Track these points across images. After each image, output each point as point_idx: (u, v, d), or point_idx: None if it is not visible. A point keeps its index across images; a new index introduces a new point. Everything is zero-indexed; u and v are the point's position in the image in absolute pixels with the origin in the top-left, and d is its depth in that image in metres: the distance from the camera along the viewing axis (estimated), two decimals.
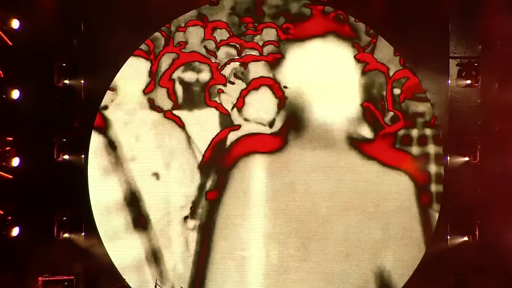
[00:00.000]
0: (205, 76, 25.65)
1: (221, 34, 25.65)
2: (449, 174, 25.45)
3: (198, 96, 25.57)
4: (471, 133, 25.47)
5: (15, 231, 23.96)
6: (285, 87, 25.49)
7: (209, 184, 25.58)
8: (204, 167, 25.57)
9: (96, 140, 25.58)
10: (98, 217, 25.42)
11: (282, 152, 25.77)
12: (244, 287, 25.35)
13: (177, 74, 25.54)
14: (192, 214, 25.49)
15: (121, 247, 25.39)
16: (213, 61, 25.49)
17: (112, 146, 25.65)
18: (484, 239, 25.13)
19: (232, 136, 25.67)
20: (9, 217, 23.99)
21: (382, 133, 25.46)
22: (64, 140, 25.28)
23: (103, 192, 25.58)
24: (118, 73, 25.51)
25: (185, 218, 25.47)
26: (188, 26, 25.66)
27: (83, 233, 25.32)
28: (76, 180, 25.40)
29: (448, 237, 25.47)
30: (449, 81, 25.62)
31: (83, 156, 25.51)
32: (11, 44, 24.20)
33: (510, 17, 24.21)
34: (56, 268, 23.74)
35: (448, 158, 25.53)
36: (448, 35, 25.48)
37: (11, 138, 24.28)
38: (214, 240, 25.52)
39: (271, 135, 25.78)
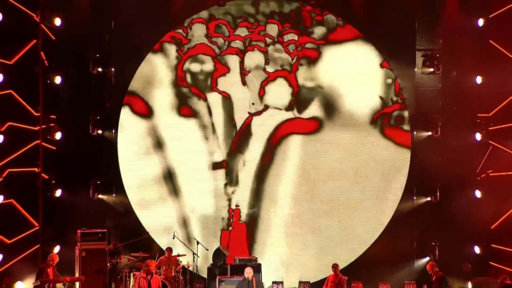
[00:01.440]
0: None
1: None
2: (415, 146, 26.23)
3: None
4: (433, 112, 26.09)
5: (58, 193, 24.76)
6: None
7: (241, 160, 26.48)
8: (232, 151, 26.48)
9: (124, 117, 26.35)
10: (126, 181, 26.22)
11: (318, 133, 26.42)
12: (253, 238, 26.19)
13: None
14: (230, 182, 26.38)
15: (148, 208, 26.27)
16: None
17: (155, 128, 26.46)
18: (443, 199, 25.75)
19: (255, 121, 26.39)
20: (53, 181, 24.75)
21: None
22: (98, 117, 25.95)
23: (132, 161, 26.42)
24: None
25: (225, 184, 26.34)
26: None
27: (113, 194, 26.24)
28: (108, 150, 26.20)
29: (415, 197, 26.27)
30: (416, 69, 26.28)
31: (113, 130, 26.28)
32: (54, 38, 24.92)
33: (465, 17, 24.82)
34: (92, 223, 23.98)
35: (415, 132, 26.30)
36: (415, 32, 26.05)
37: (54, 116, 24.91)
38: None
39: (309, 120, 26.49)
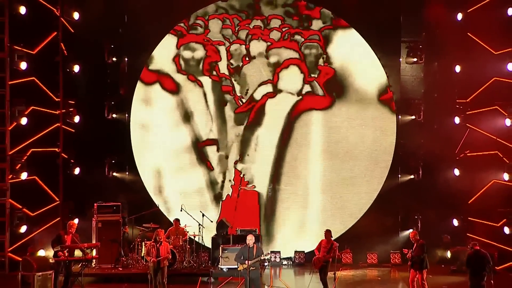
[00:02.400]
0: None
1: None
2: (400, 128, 26.34)
3: None
4: (416, 98, 26.27)
5: (77, 171, 25.03)
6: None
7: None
8: (247, 128, 26.59)
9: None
10: (139, 160, 26.46)
11: (331, 108, 26.52)
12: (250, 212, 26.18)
13: None
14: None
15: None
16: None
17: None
18: (425, 177, 25.97)
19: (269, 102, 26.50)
20: (72, 160, 24.97)
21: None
22: (113, 102, 26.21)
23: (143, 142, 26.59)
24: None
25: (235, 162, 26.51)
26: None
27: (126, 172, 26.48)
28: (121, 132, 26.39)
29: (399, 176, 26.41)
30: (401, 59, 26.37)
31: (126, 114, 26.46)
32: (73, 31, 25.06)
33: (446, 11, 24.84)
34: (107, 197, 24.41)
35: (400, 116, 26.40)
36: (400, 26, 26.12)
37: (73, 101, 25.08)
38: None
39: (323, 96, 26.49)
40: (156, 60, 26.67)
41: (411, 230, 24.14)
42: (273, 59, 26.60)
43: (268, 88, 26.59)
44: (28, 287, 19.64)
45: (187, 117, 26.60)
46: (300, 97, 26.50)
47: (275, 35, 26.58)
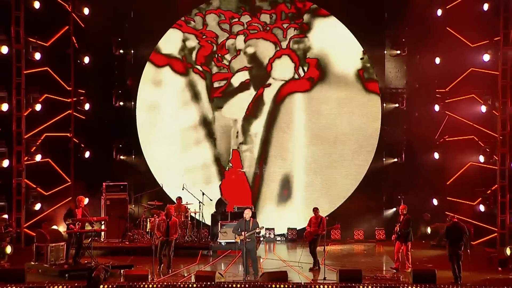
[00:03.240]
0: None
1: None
2: (384, 116, 26.43)
3: None
4: (399, 87, 26.46)
5: (87, 154, 25.07)
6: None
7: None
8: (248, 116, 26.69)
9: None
10: (144, 144, 26.54)
11: (312, 91, 26.54)
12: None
13: None
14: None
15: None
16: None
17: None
18: (408, 160, 26.22)
19: (267, 92, 26.57)
20: (82, 145, 25.08)
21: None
22: (120, 91, 26.34)
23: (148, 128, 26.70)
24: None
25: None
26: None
27: (132, 156, 26.59)
28: (128, 119, 26.51)
29: (384, 159, 26.62)
30: (385, 52, 26.55)
31: (132, 102, 26.57)
32: (83, 25, 25.13)
33: (427, 8, 24.87)
34: (115, 177, 24.54)
35: (384, 104, 26.49)
36: (385, 21, 26.23)
37: (83, 91, 25.25)
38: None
39: (304, 79, 26.53)
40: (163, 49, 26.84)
41: (394, 209, 24.56)
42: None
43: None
44: (42, 257, 19.73)
45: (195, 97, 26.82)
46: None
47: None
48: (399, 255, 19.90)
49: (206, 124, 26.76)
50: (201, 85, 26.77)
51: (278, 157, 26.75)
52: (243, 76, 26.79)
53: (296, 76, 26.59)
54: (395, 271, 19.71)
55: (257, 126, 26.76)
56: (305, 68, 26.61)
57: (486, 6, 23.10)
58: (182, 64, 26.69)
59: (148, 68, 26.68)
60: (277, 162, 26.74)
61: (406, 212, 20.00)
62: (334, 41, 26.62)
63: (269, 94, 26.69)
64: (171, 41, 26.73)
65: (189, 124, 26.80)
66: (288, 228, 25.68)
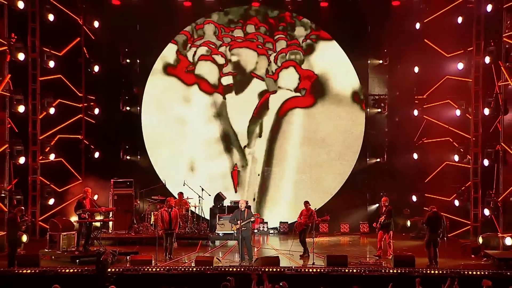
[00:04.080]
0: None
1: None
2: (367, 120, 26.59)
3: None
4: (381, 94, 26.63)
5: (96, 154, 25.23)
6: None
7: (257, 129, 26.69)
8: (253, 119, 26.70)
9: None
10: (148, 146, 26.57)
11: (313, 107, 26.64)
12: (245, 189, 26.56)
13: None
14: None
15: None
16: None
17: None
18: (389, 160, 26.47)
19: (272, 99, 26.64)
20: (92, 146, 25.25)
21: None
22: (127, 97, 26.44)
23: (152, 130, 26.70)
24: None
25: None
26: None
27: (138, 156, 26.60)
28: (134, 122, 26.54)
29: (368, 159, 26.72)
30: (368, 62, 26.69)
31: (138, 108, 26.60)
32: (93, 37, 25.23)
33: (406, 22, 24.95)
34: (122, 175, 24.64)
35: (368, 109, 26.60)
36: (368, 33, 26.23)
37: (93, 97, 25.42)
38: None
39: (306, 96, 26.59)
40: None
41: (377, 205, 24.60)
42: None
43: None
44: (55, 244, 19.95)
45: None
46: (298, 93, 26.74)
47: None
48: (382, 243, 20.10)
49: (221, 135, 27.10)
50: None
51: (277, 158, 26.92)
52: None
53: (295, 86, 26.79)
54: (377, 258, 19.90)
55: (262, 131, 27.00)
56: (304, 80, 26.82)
57: (460, 20, 23.29)
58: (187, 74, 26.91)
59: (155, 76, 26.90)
60: (275, 162, 26.93)
61: (388, 204, 20.16)
62: (330, 59, 26.85)
63: (272, 103, 26.89)
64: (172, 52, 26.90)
65: (195, 126, 26.96)
66: (280, 222, 25.76)
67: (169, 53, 26.84)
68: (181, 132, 26.76)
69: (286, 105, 26.71)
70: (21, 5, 21.45)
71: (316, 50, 26.75)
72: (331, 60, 26.68)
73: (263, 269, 17.08)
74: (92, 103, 25.53)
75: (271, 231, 25.70)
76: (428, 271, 17.62)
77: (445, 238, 19.39)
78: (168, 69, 26.81)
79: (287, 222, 25.52)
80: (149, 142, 26.64)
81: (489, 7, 21.88)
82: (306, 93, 26.60)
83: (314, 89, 26.62)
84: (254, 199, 26.11)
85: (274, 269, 17.52)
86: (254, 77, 26.66)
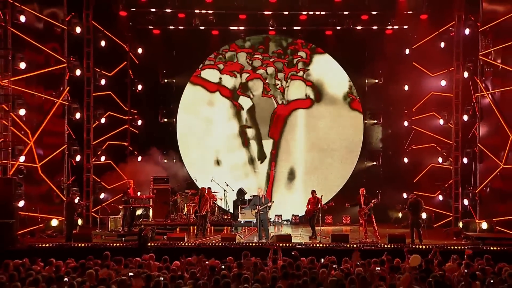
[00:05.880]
0: None
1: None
2: (366, 129, 26.65)
3: None
4: (377, 108, 26.59)
5: (139, 158, 25.40)
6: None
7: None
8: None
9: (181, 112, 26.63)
10: (182, 150, 26.71)
11: (312, 107, 26.69)
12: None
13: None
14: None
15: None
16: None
17: None
18: (384, 163, 26.57)
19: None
20: (136, 152, 25.57)
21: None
22: (164, 111, 26.66)
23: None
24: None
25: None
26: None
27: (174, 160, 26.56)
28: (170, 131, 26.63)
29: (366, 162, 26.73)
30: (366, 81, 26.71)
31: (174, 119, 26.78)
32: (137, 62, 25.76)
33: (397, 47, 24.91)
34: (160, 174, 24.48)
35: (366, 121, 26.59)
36: (366, 57, 26.32)
37: (136, 111, 25.89)
38: None
39: (307, 99, 26.64)
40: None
41: (374, 200, 24.44)
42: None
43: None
44: (104, 226, 20.29)
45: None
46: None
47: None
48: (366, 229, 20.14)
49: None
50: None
51: (285, 160, 26.94)
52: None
53: (304, 97, 26.85)
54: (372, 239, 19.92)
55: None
56: (308, 91, 26.92)
57: (442, 45, 23.59)
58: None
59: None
60: (283, 164, 26.97)
61: (366, 193, 20.11)
62: (328, 72, 26.93)
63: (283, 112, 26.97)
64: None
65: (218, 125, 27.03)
66: (292, 215, 25.80)
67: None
68: (207, 130, 26.85)
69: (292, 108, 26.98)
70: (78, 30, 21.98)
71: (323, 72, 26.97)
72: (333, 78, 26.92)
73: (277, 244, 17.21)
74: (135, 116, 25.89)
75: (285, 222, 25.66)
76: (416, 246, 17.72)
77: (423, 220, 19.53)
78: (195, 79, 27.02)
79: (298, 215, 25.54)
80: (182, 147, 26.81)
81: (467, 31, 22.18)
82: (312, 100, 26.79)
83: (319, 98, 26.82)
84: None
85: (287, 244, 17.66)
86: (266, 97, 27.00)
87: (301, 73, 26.84)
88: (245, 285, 10.99)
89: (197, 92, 27.01)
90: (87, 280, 11.56)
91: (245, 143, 26.86)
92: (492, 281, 11.94)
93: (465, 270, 13.01)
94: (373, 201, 20.17)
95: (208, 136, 26.78)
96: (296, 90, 26.85)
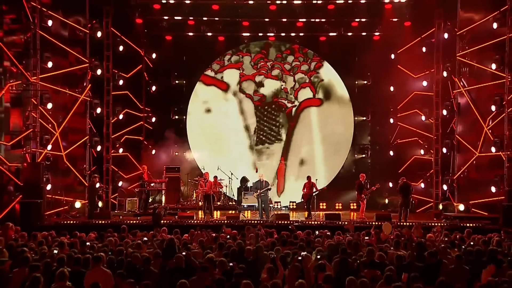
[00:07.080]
0: None
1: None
2: (356, 125, 26.37)
3: None
4: (366, 106, 26.34)
5: (153, 152, 25.31)
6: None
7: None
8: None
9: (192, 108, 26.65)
10: (191, 144, 26.65)
11: (322, 105, 26.66)
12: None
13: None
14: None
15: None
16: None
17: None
18: (372, 156, 26.41)
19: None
20: (150, 146, 25.46)
21: None
22: (176, 109, 26.60)
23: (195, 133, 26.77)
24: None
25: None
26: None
27: (184, 153, 26.24)
28: (181, 127, 26.64)
29: (356, 155, 26.72)
30: (356, 82, 26.59)
31: (184, 117, 26.70)
32: (151, 65, 25.70)
33: (384, 52, 24.74)
34: (172, 164, 24.69)
35: (356, 118, 26.49)
36: (356, 61, 26.00)
37: (150, 109, 25.72)
38: None
39: (317, 99, 26.57)
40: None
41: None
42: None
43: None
44: (122, 207, 20.39)
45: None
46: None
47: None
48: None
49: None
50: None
51: (291, 154, 26.90)
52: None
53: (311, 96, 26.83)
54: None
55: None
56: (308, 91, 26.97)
57: (424, 49, 23.69)
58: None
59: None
60: (290, 157, 26.92)
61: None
62: (323, 74, 26.92)
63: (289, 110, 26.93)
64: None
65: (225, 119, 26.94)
66: (290, 202, 25.62)
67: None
68: (216, 126, 26.76)
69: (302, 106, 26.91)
70: (99, 34, 22.10)
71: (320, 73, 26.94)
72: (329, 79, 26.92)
73: (277, 222, 17.30)
74: (150, 113, 25.87)
75: (283, 208, 25.57)
76: (401, 223, 17.86)
77: (412, 202, 19.64)
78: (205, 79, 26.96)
79: (295, 202, 25.30)
80: (192, 141, 26.76)
81: (446, 35, 22.34)
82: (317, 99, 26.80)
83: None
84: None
85: (285, 222, 17.73)
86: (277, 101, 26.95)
87: (299, 75, 26.88)
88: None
89: (207, 91, 27.01)
90: (108, 244, 11.64)
91: (252, 138, 26.86)
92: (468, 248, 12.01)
93: (445, 239, 13.11)
94: (376, 185, 20.21)
95: (216, 131, 26.71)
96: (301, 91, 26.91)
